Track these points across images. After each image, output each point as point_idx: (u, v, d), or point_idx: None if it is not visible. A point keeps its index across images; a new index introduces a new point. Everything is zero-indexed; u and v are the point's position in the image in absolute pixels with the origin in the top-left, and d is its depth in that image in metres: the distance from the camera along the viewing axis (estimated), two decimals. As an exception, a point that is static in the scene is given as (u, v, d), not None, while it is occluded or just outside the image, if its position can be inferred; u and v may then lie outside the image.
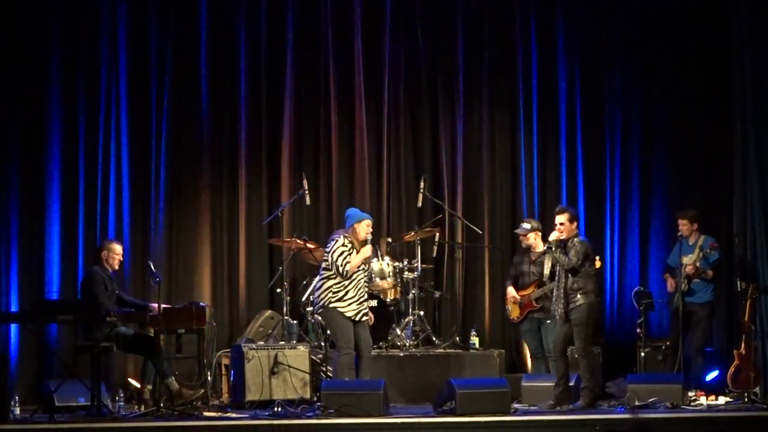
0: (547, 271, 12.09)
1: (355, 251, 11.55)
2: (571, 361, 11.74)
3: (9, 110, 13.16)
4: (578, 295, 11.55)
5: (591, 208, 14.10)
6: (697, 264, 12.70)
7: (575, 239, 11.65)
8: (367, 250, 11.60)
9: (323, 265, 11.66)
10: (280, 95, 13.72)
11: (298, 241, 12.93)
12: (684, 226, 12.87)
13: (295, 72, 13.76)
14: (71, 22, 13.32)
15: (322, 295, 11.55)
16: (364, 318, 11.61)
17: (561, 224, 11.70)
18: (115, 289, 11.94)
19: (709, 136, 14.10)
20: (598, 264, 11.76)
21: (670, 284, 12.98)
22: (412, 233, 13.28)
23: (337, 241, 11.57)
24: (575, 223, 11.75)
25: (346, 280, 11.50)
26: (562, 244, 11.64)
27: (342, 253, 11.49)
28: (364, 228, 11.63)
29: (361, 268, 11.64)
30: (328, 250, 11.61)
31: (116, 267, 12.06)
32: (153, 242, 13.33)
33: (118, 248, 12.05)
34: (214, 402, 11.81)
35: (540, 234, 12.73)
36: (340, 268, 11.45)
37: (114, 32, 13.37)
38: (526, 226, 12.86)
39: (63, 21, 13.29)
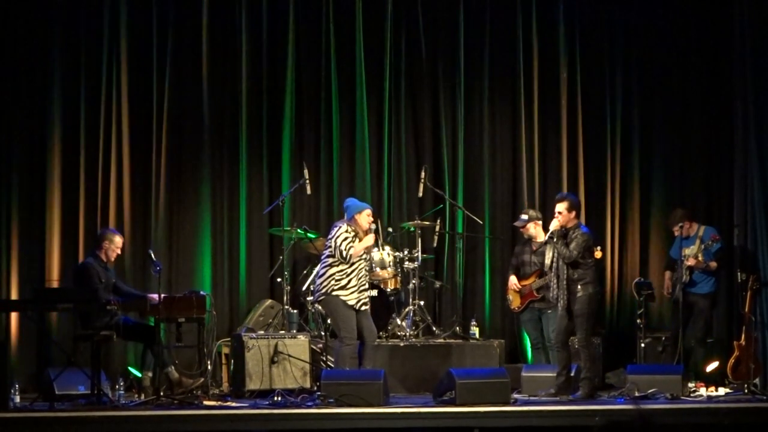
0: (548, 261, 12.07)
1: (357, 240, 11.57)
2: (573, 351, 11.75)
3: (9, 98, 13.14)
4: (578, 286, 11.55)
5: (591, 198, 14.09)
6: (699, 256, 12.69)
7: (577, 230, 11.63)
8: (370, 238, 11.64)
9: (326, 252, 11.66)
10: (281, 84, 13.71)
11: (299, 231, 12.93)
12: (684, 228, 12.85)
13: (296, 61, 13.75)
14: (72, 11, 13.29)
15: (325, 283, 11.55)
16: (364, 307, 11.62)
17: (559, 213, 11.69)
18: (111, 279, 11.91)
19: (710, 126, 14.11)
20: (599, 254, 11.75)
21: (667, 285, 12.98)
22: (413, 223, 13.28)
23: (340, 227, 11.60)
24: (574, 212, 11.72)
25: (349, 267, 11.50)
26: (563, 234, 11.64)
27: (345, 238, 11.50)
28: (365, 218, 11.64)
29: (362, 256, 11.66)
30: (330, 236, 11.62)
31: (113, 259, 12.03)
32: (153, 231, 13.32)
33: (119, 240, 12.03)
34: (214, 391, 11.80)
35: (540, 223, 12.74)
36: (344, 252, 11.45)
37: (115, 21, 13.34)
38: (524, 217, 12.87)
39: (64, 10, 13.26)
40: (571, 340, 11.76)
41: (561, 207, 11.71)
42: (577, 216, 11.80)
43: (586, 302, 11.55)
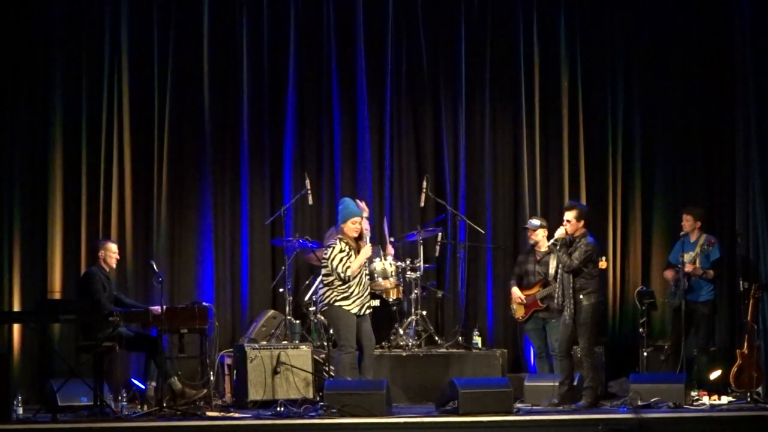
0: (552, 270, 12.08)
1: (354, 253, 11.52)
2: (576, 360, 11.74)
3: (11, 109, 13.16)
4: (581, 296, 11.55)
5: (593, 207, 14.02)
6: (696, 262, 12.69)
7: (582, 239, 11.62)
8: (367, 250, 11.56)
9: (324, 271, 11.63)
10: (283, 94, 13.72)
11: (301, 241, 12.94)
12: (687, 222, 12.86)
13: (298, 71, 13.76)
14: (73, 18, 13.31)
15: (327, 293, 11.51)
16: (368, 311, 11.59)
17: (567, 221, 11.70)
18: (113, 290, 11.93)
19: (712, 135, 14.11)
20: (604, 264, 11.76)
21: (670, 275, 12.96)
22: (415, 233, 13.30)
23: (334, 247, 11.52)
24: (582, 222, 11.71)
25: (349, 283, 11.48)
26: (568, 242, 11.63)
27: (341, 259, 11.44)
28: (350, 227, 11.55)
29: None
30: (326, 256, 11.55)
31: (114, 265, 12.06)
32: (155, 242, 13.33)
33: (114, 247, 12.08)
34: (216, 402, 11.82)
35: (546, 232, 12.73)
36: (342, 275, 11.41)
37: (116, 28, 13.35)
38: (535, 222, 12.84)
39: (65, 17, 13.28)
40: (574, 349, 11.76)
41: (570, 215, 11.71)
42: (586, 225, 11.77)
43: (590, 312, 11.55)
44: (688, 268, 12.60)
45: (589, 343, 11.59)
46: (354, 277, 11.45)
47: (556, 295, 11.77)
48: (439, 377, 12.27)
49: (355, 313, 11.46)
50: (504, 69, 14.13)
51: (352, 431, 10.60)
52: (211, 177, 13.57)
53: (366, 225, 11.72)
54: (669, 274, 12.98)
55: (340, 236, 11.57)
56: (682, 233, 12.90)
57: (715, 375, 12.74)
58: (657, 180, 14.17)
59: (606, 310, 13.71)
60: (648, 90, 14.19)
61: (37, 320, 11.50)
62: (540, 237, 12.78)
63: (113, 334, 11.32)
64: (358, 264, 11.45)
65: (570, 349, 11.70)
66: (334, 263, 11.45)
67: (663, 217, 14.02)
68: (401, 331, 12.95)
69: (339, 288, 11.47)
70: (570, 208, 11.80)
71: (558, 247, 11.65)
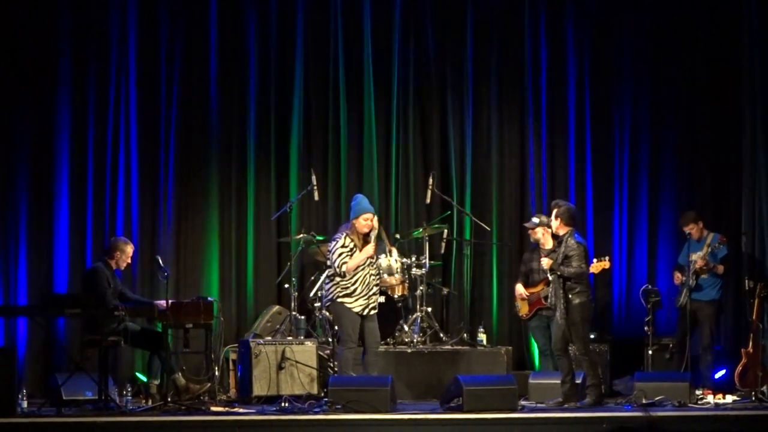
0: (556, 268, 12.06)
1: (357, 249, 11.50)
2: (574, 358, 11.73)
3: (18, 105, 13.17)
4: (570, 296, 11.49)
5: (599, 206, 14.09)
6: (706, 257, 12.70)
7: (570, 240, 11.52)
8: (369, 249, 11.52)
9: (329, 264, 11.66)
10: (290, 90, 13.72)
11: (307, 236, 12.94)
12: (692, 230, 12.89)
13: (305, 67, 13.76)
14: (81, 17, 13.33)
15: (331, 289, 11.53)
16: (372, 312, 11.58)
17: (550, 221, 11.72)
18: (118, 285, 11.93)
19: (719, 135, 14.09)
20: (606, 264, 11.73)
21: (677, 278, 12.99)
22: (421, 229, 13.29)
23: (337, 241, 11.53)
24: (560, 220, 11.61)
25: (351, 276, 11.45)
26: (561, 257, 11.52)
27: (340, 254, 11.44)
28: (362, 223, 11.56)
29: (367, 263, 11.56)
30: (329, 249, 11.60)
31: (123, 268, 12.05)
32: (161, 237, 13.34)
33: (130, 250, 12.02)
34: (221, 397, 11.83)
35: (549, 231, 12.70)
36: (338, 269, 11.43)
37: (124, 26, 13.37)
38: (535, 220, 12.81)
39: (73, 16, 13.29)
40: (570, 346, 11.73)
41: (552, 215, 11.69)
42: (569, 224, 11.65)
43: (578, 311, 11.48)
44: (699, 263, 12.62)
45: (583, 342, 11.55)
46: (354, 274, 11.44)
47: (549, 295, 11.73)
48: (443, 374, 12.27)
49: (357, 312, 11.45)
50: (511, 65, 14.13)
51: (357, 427, 10.59)
52: (218, 172, 13.57)
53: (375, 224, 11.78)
54: (677, 276, 12.99)
55: (347, 231, 11.57)
56: (688, 234, 12.91)
57: (719, 374, 12.74)
58: (663, 178, 14.15)
59: (611, 308, 13.72)
60: (655, 87, 14.18)
61: (42, 314, 11.52)
62: (540, 235, 12.76)
63: (119, 329, 11.34)
64: (355, 262, 11.44)
65: (565, 347, 11.63)
66: (333, 257, 11.48)
67: (669, 215, 13.99)
68: (406, 328, 12.95)
69: (341, 284, 11.47)
70: (552, 207, 11.78)
71: (558, 274, 11.54)
